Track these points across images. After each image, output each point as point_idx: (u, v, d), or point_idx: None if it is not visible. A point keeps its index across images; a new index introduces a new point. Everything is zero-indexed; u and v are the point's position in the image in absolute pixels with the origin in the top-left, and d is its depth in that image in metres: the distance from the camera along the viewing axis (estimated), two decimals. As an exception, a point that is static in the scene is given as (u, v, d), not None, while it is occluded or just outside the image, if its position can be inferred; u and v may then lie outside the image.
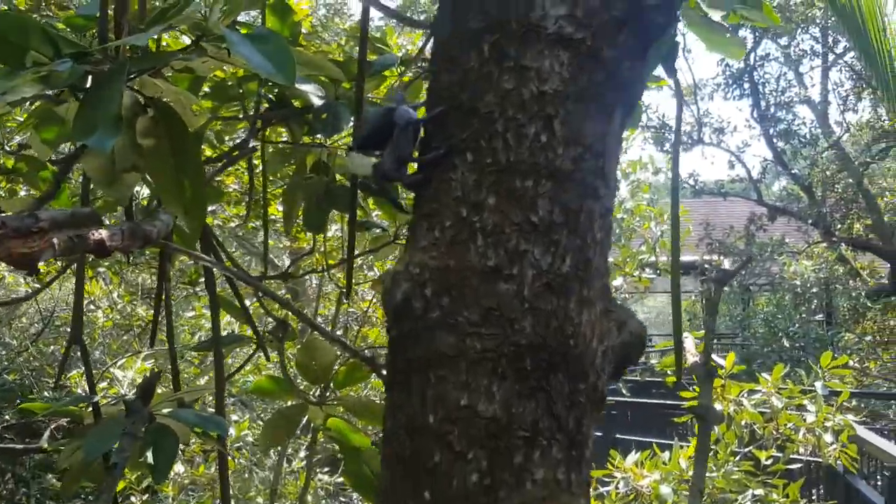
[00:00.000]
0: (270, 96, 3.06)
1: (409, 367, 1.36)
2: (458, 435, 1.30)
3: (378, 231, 3.50)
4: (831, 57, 17.90)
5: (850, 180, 16.41)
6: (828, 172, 16.90)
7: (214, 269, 3.21)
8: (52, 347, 9.44)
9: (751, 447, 5.79)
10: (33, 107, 2.45)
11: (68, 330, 9.76)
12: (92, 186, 2.70)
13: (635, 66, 1.43)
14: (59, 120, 2.39)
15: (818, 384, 6.09)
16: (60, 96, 2.35)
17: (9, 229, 2.04)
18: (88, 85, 2.01)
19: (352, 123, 2.59)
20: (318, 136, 3.13)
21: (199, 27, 2.18)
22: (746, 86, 18.09)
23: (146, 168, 2.29)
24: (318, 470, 7.68)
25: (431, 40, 1.59)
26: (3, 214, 2.06)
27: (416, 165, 1.47)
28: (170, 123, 2.18)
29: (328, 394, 2.85)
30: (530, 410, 1.31)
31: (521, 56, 1.38)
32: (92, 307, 9.65)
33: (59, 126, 2.44)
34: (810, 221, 16.63)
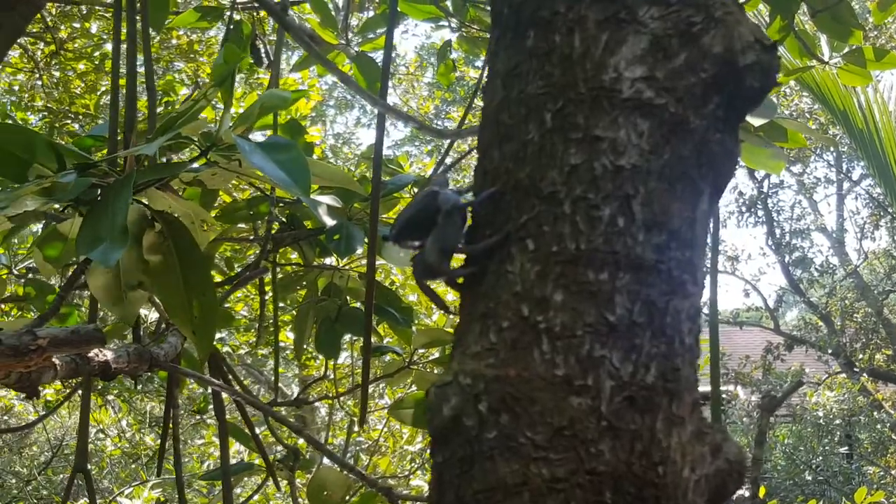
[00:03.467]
0: (282, 218, 2.94)
1: (461, 501, 1.10)
2: (526, 586, 1.04)
3: (387, 358, 3.34)
4: (846, 184, 17.84)
5: (870, 309, 16.15)
6: (846, 301, 16.64)
7: (224, 395, 3.08)
8: (61, 476, 9.35)
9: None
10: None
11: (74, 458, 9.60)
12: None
13: (726, 141, 1.20)
14: (63, 237, 2.24)
15: (855, 521, 5.86)
16: (65, 212, 2.21)
17: (5, 347, 1.83)
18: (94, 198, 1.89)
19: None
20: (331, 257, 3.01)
21: (208, 137, 2.05)
22: (760, 213, 17.97)
23: (153, 286, 2.15)
24: None
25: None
26: (1, 331, 1.86)
27: (463, 258, 1.23)
28: (178, 239, 2.07)
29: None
30: (614, 556, 1.05)
31: (592, 125, 1.15)
32: (101, 435, 9.56)
33: (63, 243, 2.29)
34: (829, 351, 16.30)
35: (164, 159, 2.32)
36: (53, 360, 2.21)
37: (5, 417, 9.78)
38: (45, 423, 10.00)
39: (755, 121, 2.56)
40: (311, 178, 2.14)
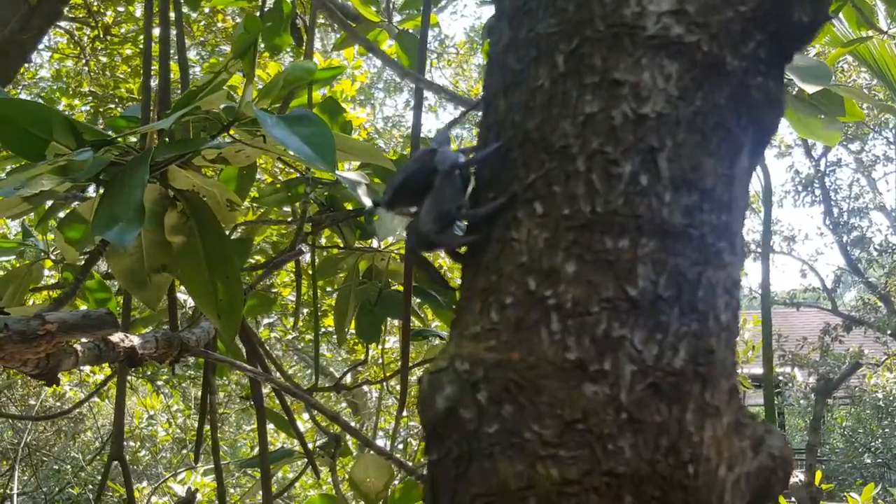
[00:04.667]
0: (321, 199, 2.85)
1: (456, 507, 0.94)
2: None
3: (435, 342, 3.24)
4: (906, 162, 17.48)
5: (930, 289, 15.79)
6: (906, 281, 16.28)
7: (262, 381, 3.00)
8: (115, 461, 9.40)
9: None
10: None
11: (128, 444, 9.68)
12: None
13: (769, 86, 1.03)
14: (84, 219, 2.17)
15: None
16: (83, 192, 2.12)
17: (12, 332, 1.73)
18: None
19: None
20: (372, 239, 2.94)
21: (231, 112, 1.95)
22: (817, 192, 17.64)
23: (176, 268, 2.06)
24: None
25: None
26: (8, 316, 1.77)
27: (465, 225, 1.07)
28: (200, 219, 2.00)
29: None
30: (634, 572, 0.89)
31: (611, 68, 0.98)
32: (153, 421, 9.62)
33: (85, 225, 2.20)
34: (889, 332, 15.94)
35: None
36: (75, 346, 2.13)
37: (58, 404, 9.83)
38: (97, 409, 10.04)
39: (809, 87, 2.38)
40: (338, 154, 2.03)
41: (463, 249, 1.06)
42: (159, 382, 8.79)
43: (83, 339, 2.11)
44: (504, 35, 1.08)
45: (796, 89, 2.44)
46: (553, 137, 0.98)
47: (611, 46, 0.99)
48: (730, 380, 0.98)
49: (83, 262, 2.68)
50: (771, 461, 0.99)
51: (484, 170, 1.05)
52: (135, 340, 2.35)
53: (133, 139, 2.10)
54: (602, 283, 0.94)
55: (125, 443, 10.04)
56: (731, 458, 0.96)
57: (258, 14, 3.75)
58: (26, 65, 7.56)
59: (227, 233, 3.25)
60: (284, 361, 10.40)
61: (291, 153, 1.78)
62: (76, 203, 2.29)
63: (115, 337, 2.34)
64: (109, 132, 2.14)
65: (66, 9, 6.54)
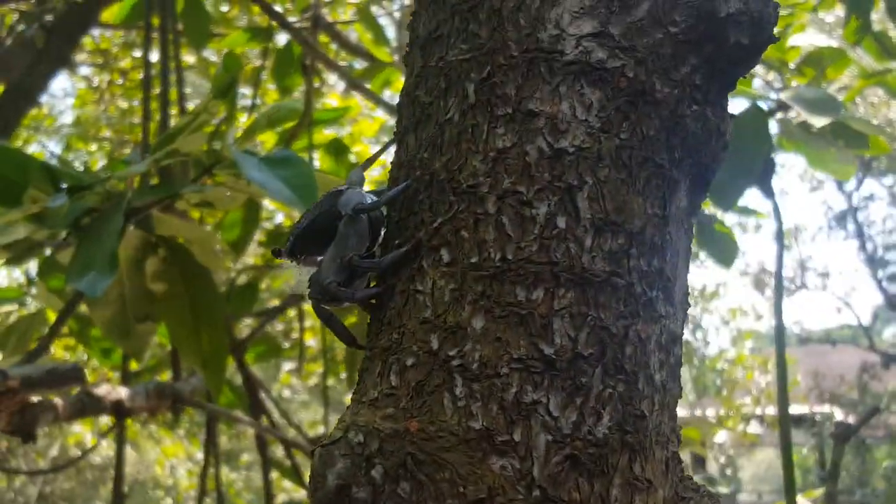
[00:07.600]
0: None
1: None
2: None
3: None
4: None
5: (969, 325, 15.54)
6: (944, 316, 16.04)
7: (258, 432, 2.92)
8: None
9: None
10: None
11: (157, 492, 9.61)
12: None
13: (707, 116, 0.91)
14: (64, 267, 2.13)
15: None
16: (67, 238, 2.07)
17: None
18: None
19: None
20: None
21: (212, 154, 1.88)
22: (851, 227, 17.43)
23: (160, 316, 2.00)
24: None
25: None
26: None
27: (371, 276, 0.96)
28: (184, 265, 1.95)
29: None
30: None
31: (525, 97, 0.87)
32: (174, 470, 9.63)
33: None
34: (928, 370, 15.70)
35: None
36: (55, 399, 2.06)
37: (78, 452, 9.82)
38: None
39: (816, 120, 2.26)
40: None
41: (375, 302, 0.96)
42: (181, 431, 8.75)
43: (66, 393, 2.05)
44: (416, 65, 0.97)
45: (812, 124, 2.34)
46: (461, 176, 0.88)
47: (525, 74, 0.88)
48: (666, 448, 0.86)
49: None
50: (718, 541, 0.87)
51: (394, 213, 0.95)
52: (122, 393, 2.27)
53: (121, 184, 2.05)
54: (513, 340, 0.83)
55: (150, 492, 9.98)
56: (668, 539, 0.84)
57: (265, 55, 3.70)
58: (45, 111, 7.56)
59: (227, 278, 3.17)
60: (311, 406, 10.36)
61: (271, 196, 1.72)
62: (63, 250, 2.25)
63: (102, 389, 2.26)
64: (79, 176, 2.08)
65: (84, 55, 6.55)
